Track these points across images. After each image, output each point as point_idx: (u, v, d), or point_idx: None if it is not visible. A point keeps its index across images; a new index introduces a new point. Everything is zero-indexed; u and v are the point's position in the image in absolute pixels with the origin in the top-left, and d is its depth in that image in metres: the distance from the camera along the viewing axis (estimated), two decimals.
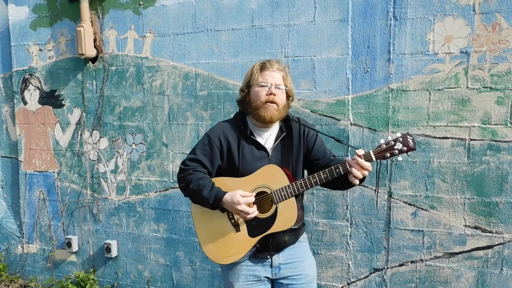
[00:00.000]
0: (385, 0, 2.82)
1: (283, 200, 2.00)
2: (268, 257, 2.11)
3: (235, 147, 2.11)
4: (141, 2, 3.48)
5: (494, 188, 2.67)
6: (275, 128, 2.18)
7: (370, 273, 2.99)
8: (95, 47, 3.65)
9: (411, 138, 1.89)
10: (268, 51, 3.13)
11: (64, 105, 3.87)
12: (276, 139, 2.15)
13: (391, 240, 2.91)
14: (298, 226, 2.12)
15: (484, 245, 2.71)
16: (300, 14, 3.03)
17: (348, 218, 3.01)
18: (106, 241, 3.77)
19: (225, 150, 2.12)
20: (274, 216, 2.02)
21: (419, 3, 2.75)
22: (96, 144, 3.78)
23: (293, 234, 2.13)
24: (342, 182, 1.97)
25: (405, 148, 1.88)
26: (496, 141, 2.65)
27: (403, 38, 2.80)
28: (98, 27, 3.66)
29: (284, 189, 1.99)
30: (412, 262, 2.88)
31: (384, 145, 1.90)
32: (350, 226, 3.01)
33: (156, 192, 3.60)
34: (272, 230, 2.03)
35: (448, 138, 2.74)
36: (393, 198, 2.88)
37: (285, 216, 2.01)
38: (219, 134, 2.14)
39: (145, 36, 3.50)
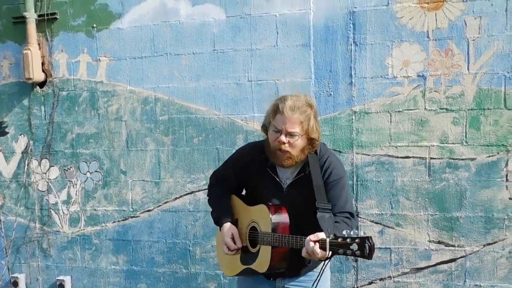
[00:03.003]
0: (345, 26, 2.92)
1: (264, 244, 1.97)
2: (271, 278, 2.08)
3: (254, 173, 2.09)
4: (94, 25, 3.34)
5: (454, 204, 2.81)
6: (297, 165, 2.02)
7: None
8: (43, 71, 3.44)
9: (369, 245, 1.62)
10: (231, 75, 3.12)
11: (8, 132, 3.58)
12: (296, 175, 2.01)
13: (359, 259, 2.96)
14: (284, 269, 2.03)
15: (448, 258, 2.84)
16: (263, 39, 3.05)
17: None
18: (58, 278, 3.51)
19: (246, 173, 2.11)
20: (256, 255, 2.01)
21: (377, 29, 2.87)
22: (45, 173, 3.53)
23: (291, 268, 2.03)
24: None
25: (358, 252, 1.64)
26: (454, 159, 2.80)
27: (364, 63, 2.90)
28: (46, 50, 3.45)
29: (266, 234, 1.96)
30: (380, 279, 2.94)
31: (340, 239, 1.68)
32: None
33: (114, 222, 3.42)
34: (252, 267, 2.02)
35: (409, 157, 2.86)
36: (360, 217, 2.95)
37: (261, 260, 1.98)
38: (245, 155, 2.14)
39: (99, 59, 3.35)
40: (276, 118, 1.91)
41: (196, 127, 3.19)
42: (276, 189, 2.03)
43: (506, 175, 2.74)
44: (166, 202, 3.29)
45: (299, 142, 1.92)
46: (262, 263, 1.97)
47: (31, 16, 3.36)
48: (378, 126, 2.90)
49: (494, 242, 2.77)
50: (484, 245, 2.79)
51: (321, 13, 2.95)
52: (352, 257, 1.66)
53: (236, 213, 2.13)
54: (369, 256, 1.62)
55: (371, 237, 1.64)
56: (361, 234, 1.64)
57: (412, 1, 2.81)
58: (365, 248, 1.62)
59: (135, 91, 3.30)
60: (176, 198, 3.26)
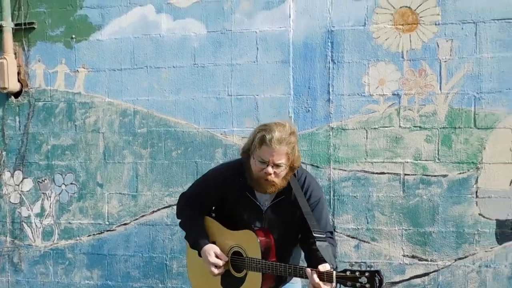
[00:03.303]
0: (324, 44, 2.99)
1: (252, 270, 1.99)
2: None
3: (231, 197, 2.08)
4: (73, 36, 3.32)
5: (427, 219, 2.90)
6: None
7: None
8: (18, 80, 3.38)
9: (379, 278, 1.72)
10: (211, 89, 3.14)
11: None
12: (275, 198, 2.04)
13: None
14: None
15: (421, 273, 2.91)
16: (243, 54, 3.10)
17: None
18: None
19: (221, 197, 2.11)
20: (243, 280, 2.02)
21: (354, 48, 2.96)
22: (18, 185, 3.45)
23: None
24: None
25: (368, 286, 1.72)
26: (427, 175, 2.89)
27: (341, 80, 2.98)
28: (22, 60, 3.40)
29: (255, 261, 1.97)
30: None
31: (348, 272, 1.77)
32: None
33: (89, 236, 3.36)
34: None
35: (385, 173, 2.94)
36: (337, 232, 2.98)
37: (250, 285, 2.01)
38: (219, 180, 2.10)
39: (77, 70, 3.33)
40: (262, 150, 1.89)
41: (175, 140, 3.19)
42: (256, 212, 2.05)
43: (476, 192, 2.84)
44: (143, 216, 3.26)
45: (283, 172, 1.93)
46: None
47: (8, 25, 3.32)
48: (355, 142, 2.97)
49: (465, 257, 2.86)
50: (455, 260, 2.87)
51: (301, 31, 3.02)
52: None
53: (213, 236, 2.10)
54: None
55: (380, 270, 1.73)
56: (365, 269, 1.74)
57: (387, 22, 2.92)
58: (375, 282, 1.70)
59: (113, 103, 3.28)
60: (153, 212, 3.24)
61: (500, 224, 2.82)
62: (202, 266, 2.09)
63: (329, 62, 2.99)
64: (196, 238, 2.08)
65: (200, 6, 3.13)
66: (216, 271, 2.00)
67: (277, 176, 1.93)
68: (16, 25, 3.35)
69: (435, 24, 2.86)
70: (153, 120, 3.23)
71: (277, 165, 1.90)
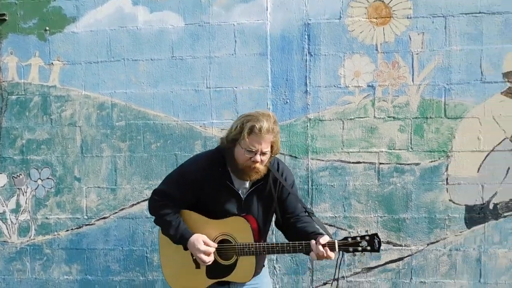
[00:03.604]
0: (300, 37, 3.05)
1: (244, 255, 2.05)
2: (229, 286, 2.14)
3: (209, 187, 2.09)
4: (47, 28, 3.26)
5: (401, 206, 3.01)
6: None
7: None
8: None
9: (378, 240, 1.94)
10: (189, 81, 3.15)
11: None
12: (251, 186, 2.12)
13: (314, 261, 3.08)
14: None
15: (396, 257, 3.03)
16: (221, 47, 3.12)
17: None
18: None
19: (199, 189, 2.09)
20: (233, 266, 2.07)
21: (330, 41, 3.03)
22: None
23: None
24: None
25: (369, 248, 1.94)
26: (400, 164, 3.00)
27: (318, 72, 3.05)
28: None
29: (248, 245, 2.04)
30: (335, 279, 3.08)
31: (349, 239, 1.96)
32: None
33: (67, 230, 3.33)
34: (228, 279, 2.09)
35: (360, 162, 3.03)
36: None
37: (243, 270, 2.07)
38: (196, 171, 2.10)
39: (52, 63, 3.27)
40: (251, 139, 1.96)
41: (154, 133, 3.19)
42: (235, 200, 2.11)
43: (447, 179, 2.98)
44: (122, 209, 3.25)
45: (267, 156, 2.04)
46: (245, 273, 2.07)
47: None
48: (332, 133, 3.05)
49: (437, 241, 2.99)
50: (428, 244, 3.00)
51: (278, 24, 3.07)
52: (361, 252, 1.95)
53: (195, 227, 2.10)
54: (378, 250, 1.95)
55: (377, 233, 1.98)
56: (363, 233, 1.98)
57: (362, 15, 3.00)
58: (375, 243, 1.94)
59: (90, 96, 3.25)
60: (133, 205, 3.24)
61: (468, 209, 2.97)
62: (183, 261, 2.11)
63: (306, 55, 3.05)
64: (180, 231, 2.08)
65: None
66: (207, 259, 2.02)
67: (262, 164, 2.01)
68: None
69: (407, 18, 2.96)
70: (131, 113, 3.22)
71: (263, 153, 1.99)
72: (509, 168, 2.92)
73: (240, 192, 2.11)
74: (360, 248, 1.94)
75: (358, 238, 1.95)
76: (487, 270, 2.96)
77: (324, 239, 1.94)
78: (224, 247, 2.09)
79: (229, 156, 2.06)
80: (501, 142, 2.92)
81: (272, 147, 2.02)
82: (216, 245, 2.07)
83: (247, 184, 2.12)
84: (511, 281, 2.95)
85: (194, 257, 2.09)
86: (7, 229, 3.39)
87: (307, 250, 1.98)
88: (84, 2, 3.21)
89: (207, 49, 3.13)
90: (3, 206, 3.38)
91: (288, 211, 2.15)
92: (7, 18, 3.28)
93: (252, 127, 1.95)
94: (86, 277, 3.32)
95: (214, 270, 2.09)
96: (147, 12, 3.17)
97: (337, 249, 1.95)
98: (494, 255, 2.95)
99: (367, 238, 1.95)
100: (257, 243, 2.05)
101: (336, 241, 1.95)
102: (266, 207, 2.14)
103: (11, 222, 3.38)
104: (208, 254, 2.03)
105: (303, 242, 1.98)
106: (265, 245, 2.05)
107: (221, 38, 3.12)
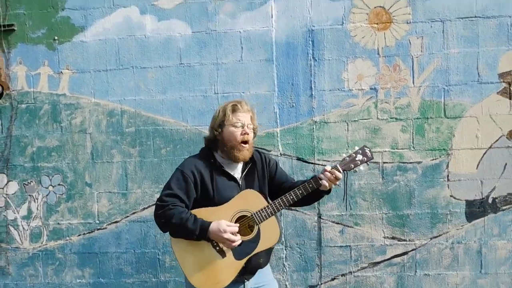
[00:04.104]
0: (305, 43, 3.17)
1: (264, 220, 2.17)
2: (246, 280, 2.23)
3: (208, 178, 2.23)
4: (56, 37, 3.32)
5: (404, 203, 3.15)
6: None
7: None
8: None
9: (368, 149, 2.25)
10: (197, 87, 3.25)
11: None
12: (243, 170, 2.31)
13: (323, 258, 3.20)
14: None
15: (401, 252, 3.16)
16: (228, 54, 3.22)
17: (283, 241, 3.23)
18: None
19: (199, 182, 2.22)
20: (257, 236, 2.18)
21: (333, 46, 3.15)
22: (3, 188, 3.43)
23: (266, 255, 2.29)
24: (309, 198, 2.25)
25: (365, 159, 2.23)
26: (403, 162, 3.14)
27: (322, 77, 3.16)
28: (3, 62, 3.37)
29: (264, 210, 2.17)
30: (342, 275, 3.20)
31: (347, 158, 2.24)
32: (285, 249, 3.23)
33: (79, 235, 3.39)
34: (258, 249, 2.18)
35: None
36: (322, 219, 3.19)
37: (268, 234, 2.18)
38: (191, 167, 2.24)
39: (61, 72, 3.34)
40: (236, 115, 2.23)
41: (164, 138, 3.28)
42: (233, 185, 2.27)
43: (447, 176, 3.12)
44: (134, 213, 3.33)
45: (252, 135, 2.29)
46: (271, 236, 2.18)
47: None
48: (337, 134, 3.17)
49: (439, 235, 3.13)
50: (431, 238, 3.14)
51: (282, 31, 3.18)
52: (361, 165, 2.23)
53: (209, 219, 2.16)
54: (372, 156, 2.26)
55: (365, 145, 2.28)
56: (355, 149, 2.25)
57: (363, 21, 3.12)
58: (366, 152, 2.23)
59: (100, 104, 3.32)
60: (144, 209, 3.32)
61: (469, 204, 3.11)
62: (206, 259, 2.17)
63: (311, 60, 3.17)
64: (198, 223, 2.13)
65: (184, 7, 3.22)
66: (236, 238, 2.12)
67: (250, 139, 2.25)
68: None
69: (407, 23, 3.10)
70: (140, 119, 3.30)
71: (249, 127, 2.25)
72: (506, 164, 3.07)
73: (236, 176, 2.29)
74: (358, 162, 2.21)
75: (353, 154, 2.23)
76: (487, 261, 3.11)
77: (328, 167, 2.19)
78: (243, 222, 2.19)
79: (220, 144, 2.26)
80: (498, 139, 3.07)
81: (253, 124, 2.28)
82: (237, 226, 2.15)
83: (239, 169, 2.30)
84: (511, 271, 3.10)
85: (217, 248, 2.17)
86: (19, 235, 3.45)
87: (317, 184, 2.19)
88: (92, 11, 3.29)
89: (214, 56, 3.23)
90: (14, 213, 3.44)
91: (281, 181, 2.38)
92: (15, 29, 3.34)
93: (234, 105, 2.26)
94: (99, 280, 3.39)
95: (241, 250, 2.17)
96: (155, 21, 3.25)
97: (341, 171, 2.20)
98: (493, 246, 3.10)
99: (359, 151, 2.23)
100: (271, 203, 2.20)
101: (337, 165, 2.22)
102: (262, 184, 2.33)
103: (23, 228, 3.44)
104: (234, 234, 2.13)
105: (311, 179, 2.20)
106: (279, 200, 2.18)
107: (227, 45, 3.22)
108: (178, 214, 2.15)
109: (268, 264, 2.41)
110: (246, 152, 2.24)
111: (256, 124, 2.35)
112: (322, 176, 2.19)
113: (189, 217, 2.15)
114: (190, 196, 2.22)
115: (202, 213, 2.19)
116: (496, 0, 3.04)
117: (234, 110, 2.24)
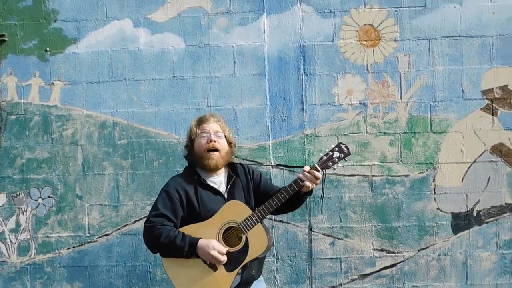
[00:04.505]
0: (296, 58, 3.24)
1: (251, 228, 2.20)
2: None
3: (192, 194, 2.28)
4: (47, 48, 3.31)
5: (393, 215, 3.22)
6: (223, 174, 2.41)
7: None
8: None
9: (344, 145, 2.30)
10: (190, 100, 3.28)
11: None
12: (227, 183, 2.37)
13: (313, 270, 3.25)
14: (265, 254, 2.32)
15: (389, 264, 3.22)
16: (221, 67, 3.27)
17: (274, 253, 3.26)
18: None
19: (185, 200, 2.27)
20: (246, 246, 2.21)
21: (324, 62, 3.23)
22: None
23: (258, 267, 2.31)
24: (292, 202, 2.31)
25: (342, 155, 2.28)
26: (391, 176, 3.22)
27: (313, 91, 3.24)
28: None
29: (249, 218, 2.21)
30: (333, 287, 3.25)
31: (324, 157, 2.30)
32: (277, 261, 3.27)
33: (69, 248, 3.36)
34: (248, 258, 2.20)
35: (355, 175, 3.23)
36: (313, 231, 3.24)
37: (257, 242, 2.21)
38: (176, 186, 2.31)
39: (53, 83, 3.33)
40: (201, 127, 2.35)
41: (156, 151, 3.29)
42: (218, 198, 2.31)
43: (434, 189, 3.21)
44: (125, 225, 3.32)
45: (224, 142, 2.35)
46: (260, 243, 2.20)
47: None
48: (327, 147, 3.20)
49: (427, 247, 3.21)
50: (418, 250, 3.22)
51: (275, 46, 3.25)
52: (340, 162, 2.29)
53: (197, 235, 2.22)
54: (349, 152, 2.31)
55: (341, 142, 2.34)
56: (331, 147, 2.30)
57: (353, 38, 3.22)
58: (343, 149, 2.29)
59: (92, 116, 3.32)
60: (136, 221, 3.31)
61: (454, 216, 3.21)
62: (198, 274, 2.19)
63: (302, 75, 3.24)
64: (187, 239, 2.18)
65: (178, 21, 3.27)
66: (222, 258, 2.16)
67: (220, 146, 2.31)
68: None
69: (395, 40, 3.21)
70: (133, 131, 3.31)
71: (217, 135, 2.32)
72: (489, 178, 3.18)
73: (220, 189, 2.34)
74: (336, 159, 2.27)
75: (330, 153, 2.29)
76: (472, 272, 3.21)
77: (306, 168, 2.26)
78: (231, 233, 2.23)
79: (195, 158, 2.34)
80: (481, 154, 3.18)
81: (224, 133, 2.36)
82: (224, 249, 2.18)
83: (224, 183, 2.36)
84: (495, 282, 3.20)
85: (207, 262, 2.20)
86: (6, 248, 3.39)
87: (298, 186, 2.23)
88: (85, 23, 3.30)
89: (207, 70, 3.27)
90: (2, 226, 3.38)
91: (266, 189, 2.43)
92: (6, 39, 3.32)
93: (199, 119, 2.41)
94: None
95: (232, 262, 2.20)
96: (148, 34, 3.28)
97: (319, 169, 2.25)
98: (478, 258, 3.20)
99: (336, 149, 2.29)
100: (256, 210, 2.23)
101: (316, 164, 2.28)
102: (247, 196, 2.38)
103: (11, 241, 3.38)
104: (222, 253, 2.17)
105: (292, 183, 2.24)
106: (263, 207, 2.22)
107: (220, 59, 3.27)
108: (166, 233, 2.19)
109: (262, 277, 2.43)
110: (217, 159, 2.30)
111: (229, 133, 2.43)
112: (302, 176, 2.25)
113: (177, 234, 2.19)
114: (178, 215, 2.27)
115: (189, 230, 2.24)
116: (479, 20, 3.17)
117: (199, 123, 2.37)
